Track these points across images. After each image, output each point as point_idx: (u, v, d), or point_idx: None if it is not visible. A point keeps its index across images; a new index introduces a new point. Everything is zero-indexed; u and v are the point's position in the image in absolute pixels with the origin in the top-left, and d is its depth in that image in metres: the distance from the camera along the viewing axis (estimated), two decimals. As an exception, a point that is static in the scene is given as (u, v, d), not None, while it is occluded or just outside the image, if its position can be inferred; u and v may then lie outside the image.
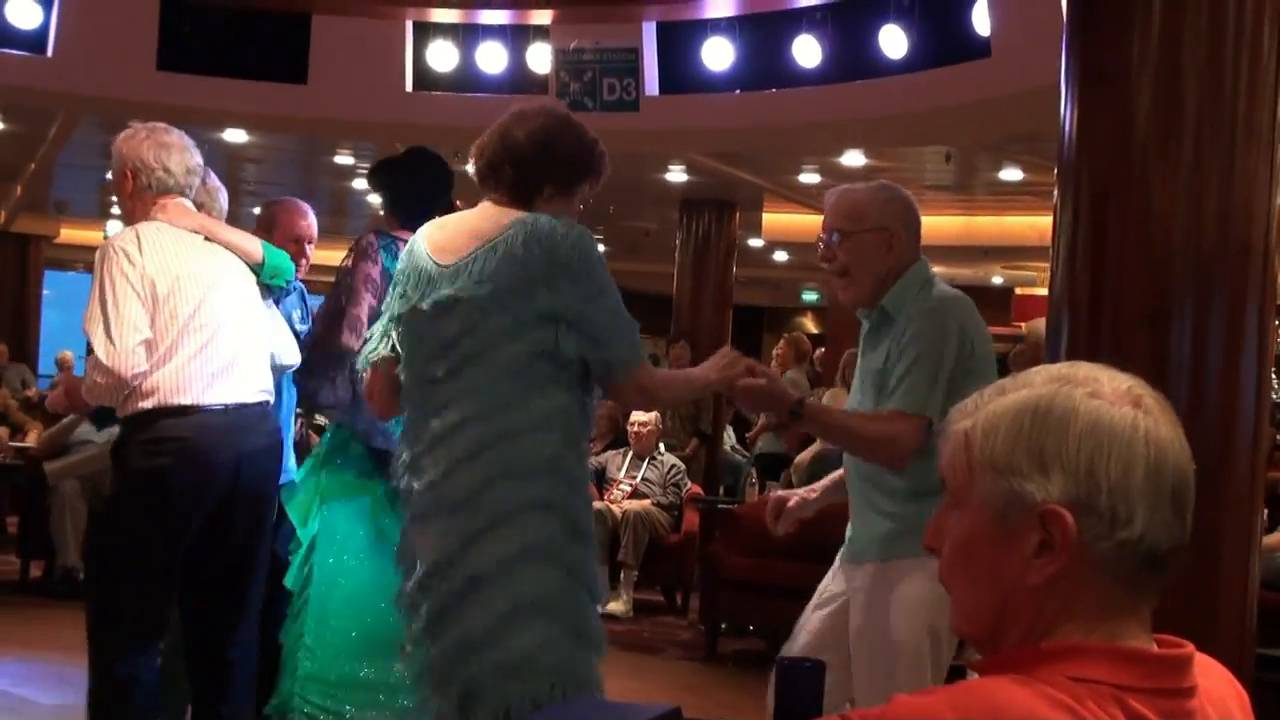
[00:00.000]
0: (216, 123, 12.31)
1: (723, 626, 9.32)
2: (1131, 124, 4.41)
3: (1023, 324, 16.88)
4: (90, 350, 4.44)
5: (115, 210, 20.02)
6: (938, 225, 14.51)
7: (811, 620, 3.93)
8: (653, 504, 10.36)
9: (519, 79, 11.58)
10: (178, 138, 4.70)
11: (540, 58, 11.60)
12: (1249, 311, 4.41)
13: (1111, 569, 1.50)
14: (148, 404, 4.38)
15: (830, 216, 3.88)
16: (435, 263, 3.73)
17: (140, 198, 4.62)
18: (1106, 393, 1.53)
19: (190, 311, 4.43)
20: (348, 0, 11.53)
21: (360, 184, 15.99)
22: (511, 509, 3.59)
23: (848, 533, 3.98)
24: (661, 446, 10.93)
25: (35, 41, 11.37)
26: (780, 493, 4.17)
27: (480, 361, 3.62)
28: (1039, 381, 1.56)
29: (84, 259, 25.93)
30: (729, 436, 14.57)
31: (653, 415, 10.63)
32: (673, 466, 10.70)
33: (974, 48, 9.69)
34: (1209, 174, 4.36)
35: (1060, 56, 4.66)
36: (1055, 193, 4.63)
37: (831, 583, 3.97)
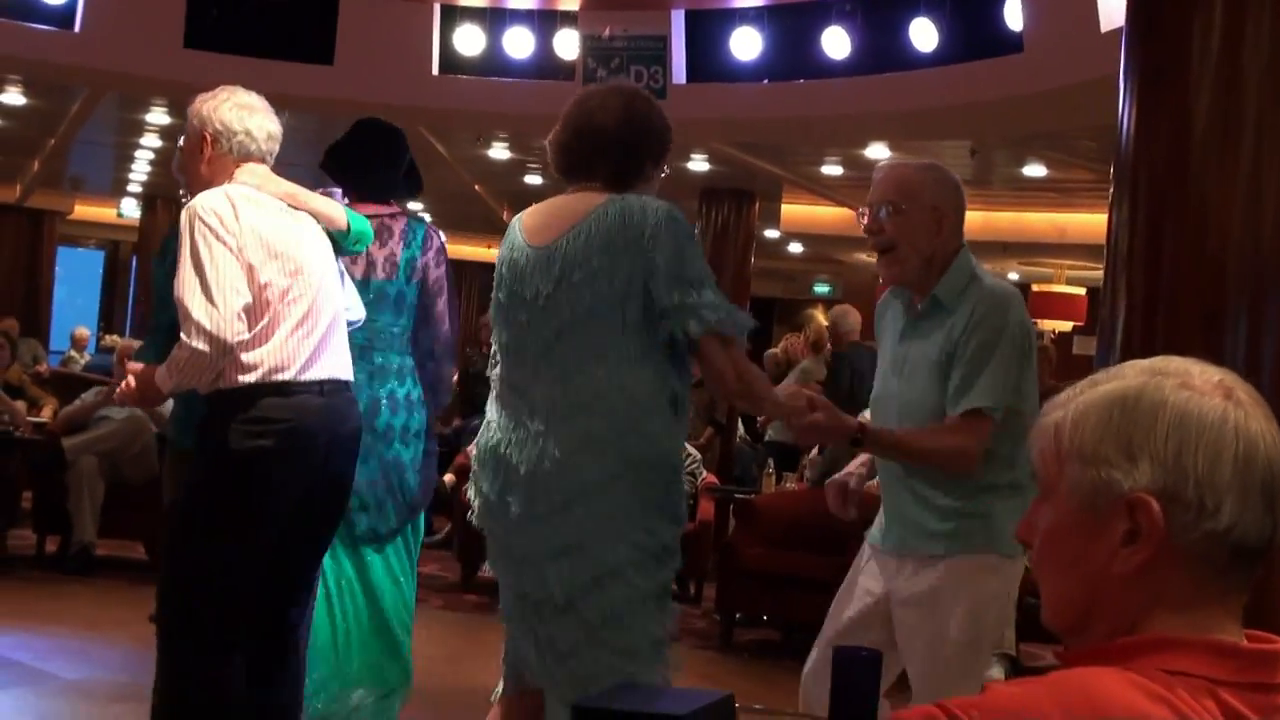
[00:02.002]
0: (241, 102, 12.29)
1: (737, 616, 9.30)
2: (1190, 124, 4.37)
3: (1038, 321, 16.90)
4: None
5: (131, 188, 20.04)
6: (956, 220, 14.46)
7: (845, 613, 3.92)
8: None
9: (545, 64, 11.57)
10: (258, 100, 4.46)
11: (567, 44, 11.58)
12: (1306, 314, 4.38)
13: (1199, 560, 1.50)
14: (249, 378, 4.17)
15: (881, 190, 3.83)
16: (529, 245, 3.73)
17: (219, 163, 4.38)
18: (1197, 384, 1.53)
19: (287, 283, 4.25)
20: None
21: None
22: (633, 504, 3.59)
23: (880, 522, 3.94)
24: (678, 435, 10.89)
25: (63, 16, 11.36)
26: (837, 477, 4.08)
27: (581, 343, 3.62)
28: (1131, 374, 1.56)
29: (96, 236, 25.99)
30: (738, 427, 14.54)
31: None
32: (689, 455, 10.69)
33: (1006, 43, 9.67)
34: (1268, 176, 4.32)
35: (1119, 55, 4.63)
36: (1111, 191, 4.61)
37: (863, 576, 3.94)
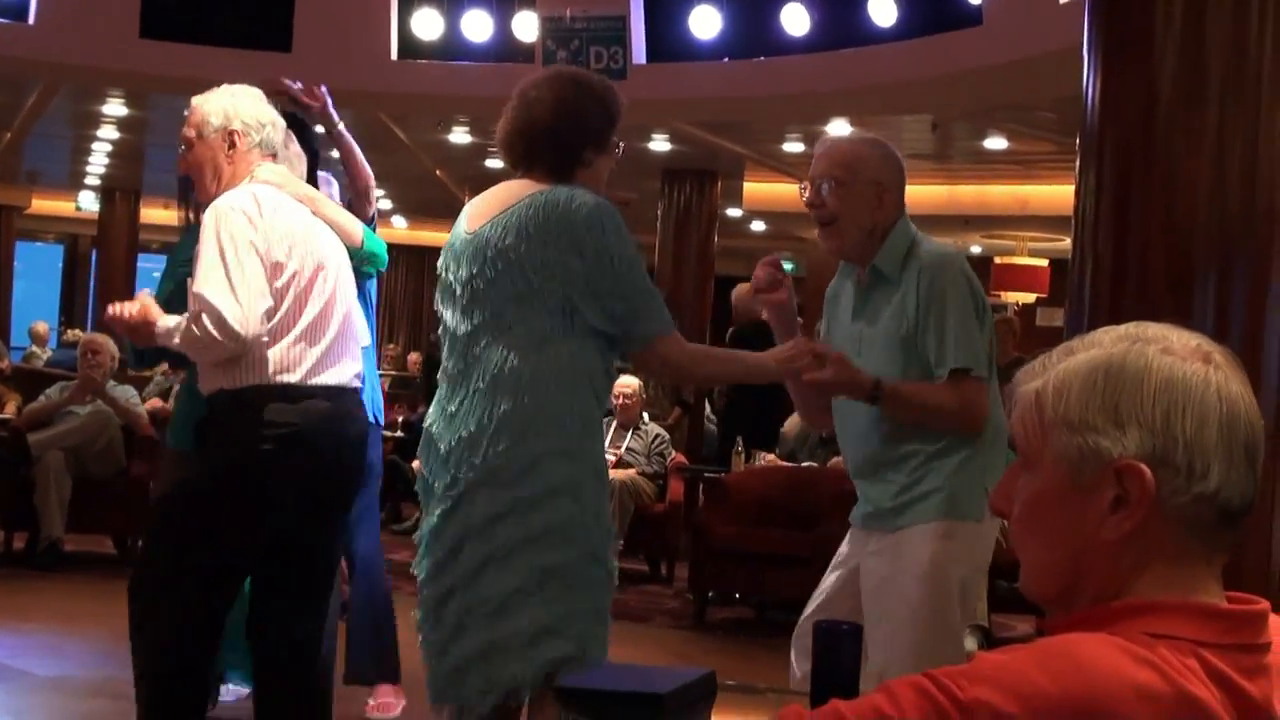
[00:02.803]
0: (198, 91, 12.18)
1: (710, 594, 9.34)
2: (1155, 93, 4.41)
3: (1001, 293, 16.96)
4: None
5: (88, 180, 19.92)
6: (918, 194, 14.44)
7: (826, 582, 3.95)
8: (638, 473, 10.37)
9: (505, 47, 11.57)
10: (258, 91, 4.41)
11: (526, 26, 11.57)
12: (1273, 277, 4.41)
13: (1187, 524, 1.51)
14: (254, 379, 4.10)
15: (824, 164, 3.86)
16: (464, 231, 3.80)
17: (244, 160, 4.29)
18: (1178, 350, 1.53)
19: (304, 285, 4.18)
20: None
21: (337, 153, 15.94)
22: (540, 488, 3.64)
23: (859, 499, 3.97)
24: (646, 416, 10.93)
25: (17, 8, 11.32)
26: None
27: (499, 327, 3.68)
28: (1108, 341, 1.56)
29: (55, 230, 25.86)
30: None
31: (636, 385, 10.64)
32: (657, 436, 10.71)
33: (965, 16, 9.71)
34: (1233, 140, 4.36)
35: (1079, 26, 4.66)
36: (1077, 159, 4.64)
37: (845, 546, 3.98)
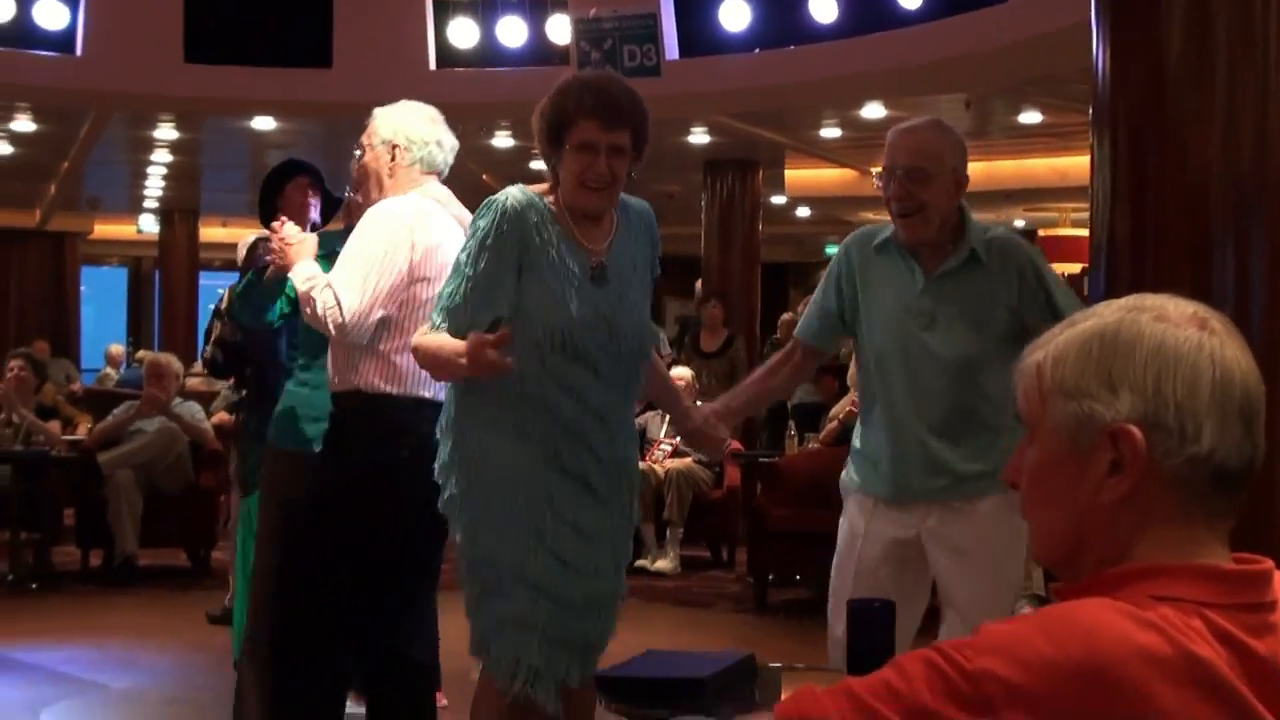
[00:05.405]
0: (245, 111, 12.44)
1: (770, 577, 9.41)
2: (1164, 61, 4.43)
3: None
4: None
5: (147, 204, 20.20)
6: (960, 172, 14.49)
7: (863, 563, 3.97)
8: (694, 462, 10.46)
9: (540, 51, 11.70)
10: (438, 113, 4.53)
11: (560, 28, 11.71)
12: (1290, 241, 4.41)
13: (1183, 486, 1.53)
14: (390, 388, 4.21)
15: (906, 155, 3.92)
16: None
17: (406, 174, 4.40)
18: (1172, 317, 1.56)
19: None
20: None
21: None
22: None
23: (888, 473, 3.99)
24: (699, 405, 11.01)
25: (63, 41, 11.52)
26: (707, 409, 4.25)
27: None
28: (1108, 312, 1.60)
29: (118, 253, 26.19)
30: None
31: (689, 375, 10.76)
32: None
33: (991, -8, 9.78)
34: (1243, 108, 4.37)
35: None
36: (1091, 133, 4.63)
37: (876, 524, 3.99)
